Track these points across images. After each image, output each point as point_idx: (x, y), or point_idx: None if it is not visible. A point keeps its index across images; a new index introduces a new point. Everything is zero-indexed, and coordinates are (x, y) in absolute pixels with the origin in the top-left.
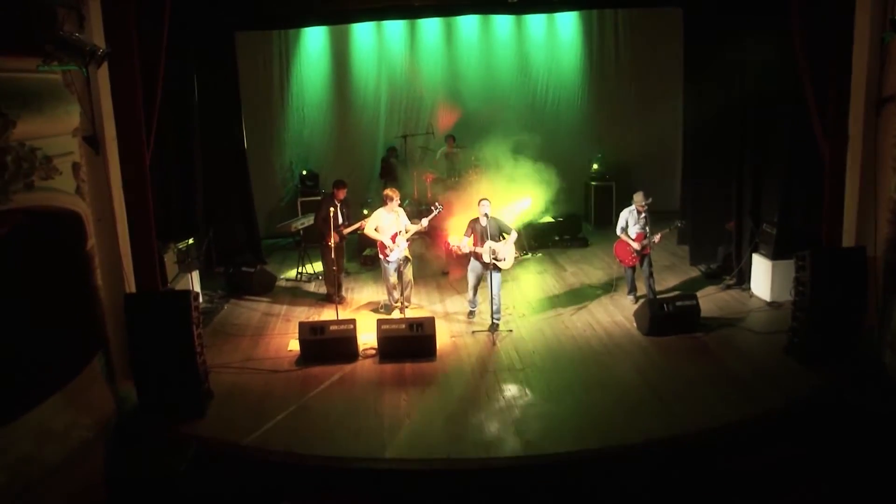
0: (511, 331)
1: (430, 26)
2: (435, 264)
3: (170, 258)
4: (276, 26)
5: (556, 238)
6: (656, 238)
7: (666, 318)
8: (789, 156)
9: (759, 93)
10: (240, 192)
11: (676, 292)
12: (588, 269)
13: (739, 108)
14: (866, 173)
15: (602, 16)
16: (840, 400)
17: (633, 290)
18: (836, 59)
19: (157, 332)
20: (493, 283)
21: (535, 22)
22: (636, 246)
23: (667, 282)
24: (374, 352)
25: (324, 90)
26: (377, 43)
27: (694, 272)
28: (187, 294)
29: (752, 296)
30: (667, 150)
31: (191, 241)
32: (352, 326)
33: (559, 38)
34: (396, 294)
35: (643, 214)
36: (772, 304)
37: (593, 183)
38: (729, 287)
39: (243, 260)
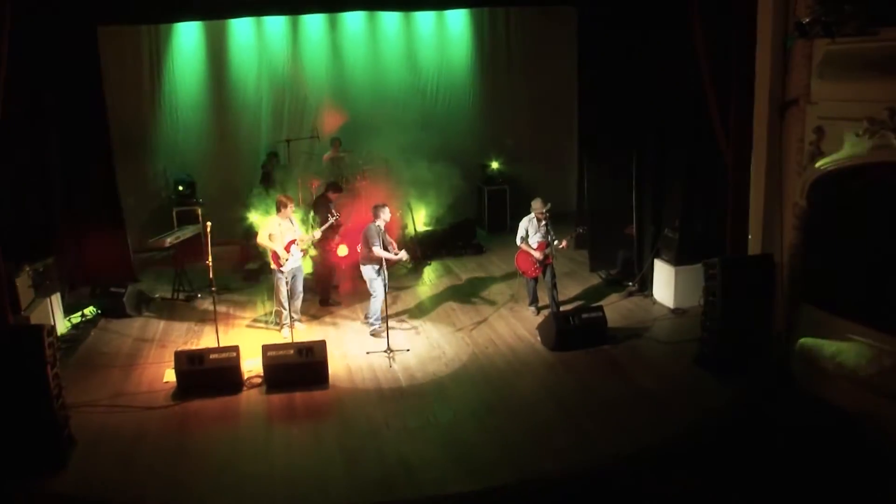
0: (408, 349)
1: (314, 22)
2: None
3: (23, 282)
4: (144, 20)
5: (450, 245)
6: (562, 244)
7: (572, 331)
8: (690, 159)
9: (659, 95)
10: (107, 203)
11: (580, 302)
12: (485, 278)
13: (637, 109)
14: (771, 178)
15: (493, 13)
16: (754, 413)
17: (534, 300)
18: (738, 63)
19: (2, 375)
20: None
21: (424, 19)
22: (538, 255)
23: (567, 289)
24: (260, 380)
25: (199, 91)
26: (257, 40)
27: (594, 278)
28: (39, 329)
29: (655, 303)
30: (562, 152)
31: (50, 259)
32: (234, 354)
33: (449, 35)
34: (287, 307)
35: (543, 222)
36: (676, 311)
37: (487, 187)
38: (631, 294)
39: (112, 279)
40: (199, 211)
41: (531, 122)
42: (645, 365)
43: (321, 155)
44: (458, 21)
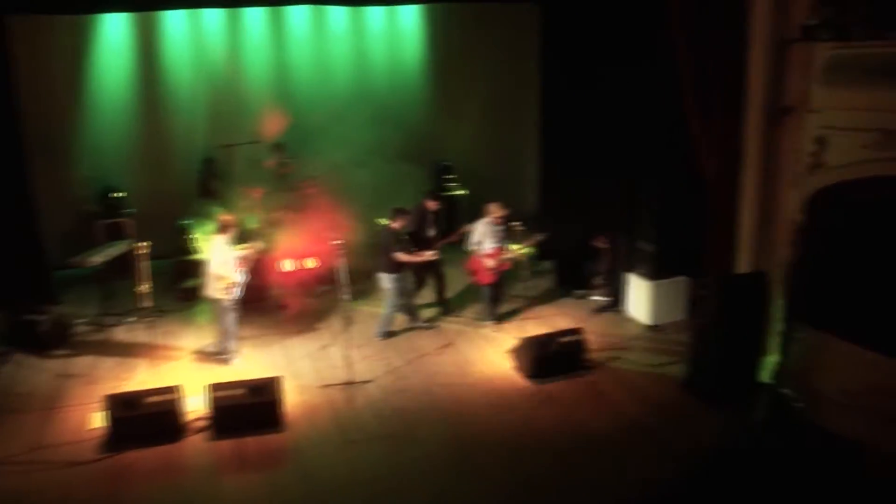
0: (370, 381)
1: (255, 17)
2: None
3: None
4: (62, 10)
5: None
6: (520, 251)
7: (551, 357)
8: (667, 168)
9: (632, 98)
10: (19, 215)
11: (543, 310)
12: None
13: (607, 114)
14: (764, 191)
15: (448, 10)
16: (754, 447)
17: (492, 314)
18: (723, 66)
19: None
20: None
21: (374, 15)
22: (491, 263)
23: (532, 304)
24: (205, 424)
25: (127, 90)
26: (192, 35)
27: (560, 291)
28: None
29: (629, 319)
30: (522, 157)
31: None
32: (175, 396)
33: (401, 32)
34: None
35: (500, 227)
36: (652, 328)
37: (440, 193)
38: (603, 309)
39: (28, 303)
40: (129, 224)
41: (489, 124)
42: (631, 393)
43: (264, 161)
44: (410, 17)
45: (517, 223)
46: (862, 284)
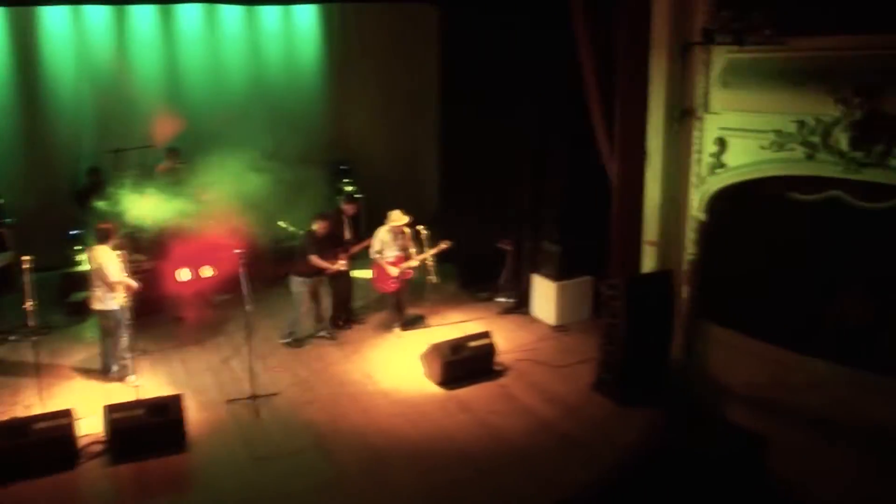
0: (276, 393)
1: (143, 15)
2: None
3: None
4: None
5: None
6: (424, 259)
7: (460, 363)
8: (570, 169)
9: (535, 100)
10: None
11: (460, 320)
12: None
13: (509, 115)
14: (668, 191)
15: (344, 10)
16: (669, 445)
17: (398, 320)
18: (626, 69)
19: None
20: None
21: (269, 15)
22: (394, 271)
23: (437, 309)
24: (101, 448)
25: (3, 91)
26: (75, 33)
27: (464, 295)
28: None
29: (534, 320)
30: (423, 159)
31: None
32: (67, 420)
33: (297, 32)
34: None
35: (402, 234)
36: (558, 329)
37: (341, 198)
38: (508, 311)
39: None
40: (8, 234)
41: (389, 126)
42: (544, 396)
43: (156, 166)
44: (306, 17)
45: (422, 228)
46: (762, 281)
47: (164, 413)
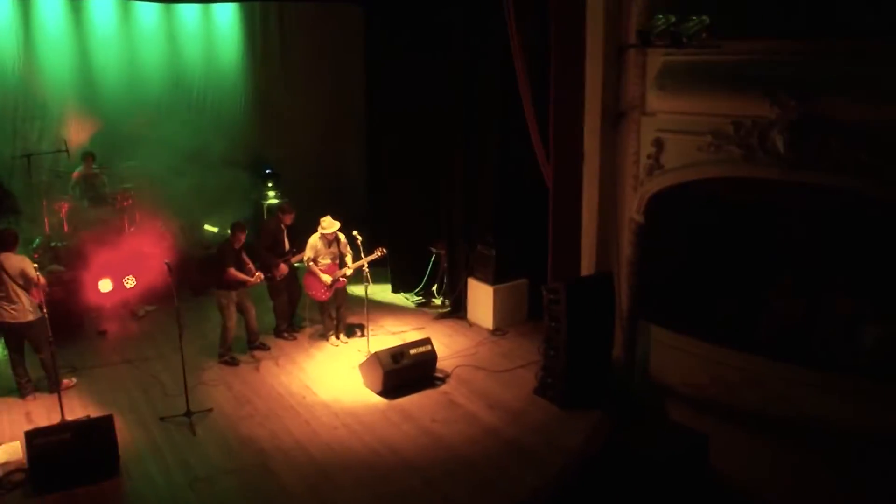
0: (211, 409)
1: (50, 10)
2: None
3: None
4: None
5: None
6: (357, 266)
7: (401, 372)
8: (502, 170)
9: (465, 100)
10: None
11: (384, 320)
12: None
13: (438, 117)
14: (605, 193)
15: (266, 9)
16: (615, 448)
17: (333, 329)
18: (559, 69)
19: None
20: None
21: (188, 12)
22: (327, 279)
23: (371, 315)
24: (23, 477)
25: None
26: None
27: (399, 300)
28: None
29: (471, 325)
30: (350, 161)
31: None
32: None
33: (216, 30)
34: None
35: (336, 241)
36: (495, 333)
37: (265, 202)
38: (443, 316)
39: None
40: None
41: (314, 128)
42: (486, 402)
43: (69, 172)
44: (225, 17)
45: (357, 234)
46: (699, 281)
47: (93, 436)
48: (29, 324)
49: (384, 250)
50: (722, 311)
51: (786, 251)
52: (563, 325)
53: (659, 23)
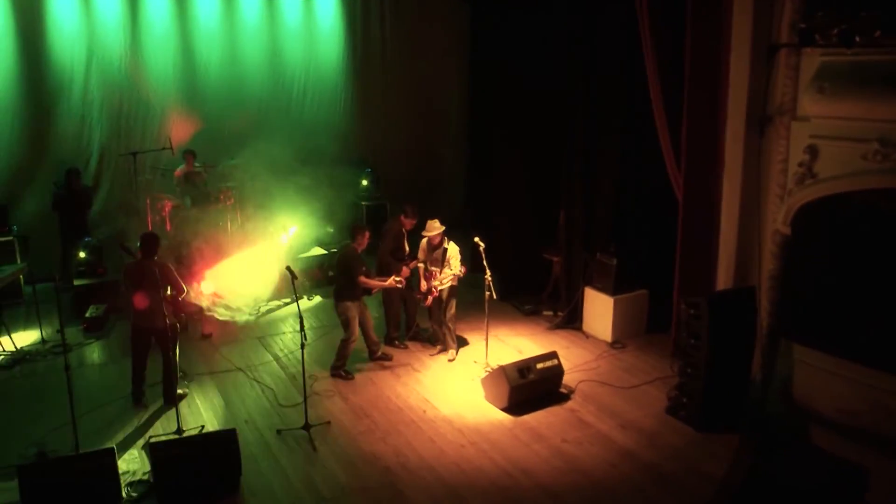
0: (329, 422)
1: (157, 6)
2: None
3: None
4: None
5: (331, 273)
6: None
7: (527, 387)
8: (623, 175)
9: (584, 101)
10: None
11: (497, 330)
12: (377, 315)
13: (552, 115)
14: (747, 202)
15: (367, 3)
16: (762, 478)
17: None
18: (697, 70)
19: None
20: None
21: (290, 6)
22: (422, 286)
23: (476, 323)
24: (145, 490)
25: (5, 84)
26: (84, 24)
27: (507, 308)
28: None
29: (588, 336)
30: (452, 165)
31: None
32: (110, 459)
33: (318, 27)
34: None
35: (438, 247)
36: (615, 345)
37: (364, 203)
38: (558, 327)
39: None
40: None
41: (415, 128)
42: (617, 422)
43: (172, 170)
44: (327, 10)
45: (478, 241)
46: (853, 298)
47: (216, 450)
48: (162, 328)
49: (399, 279)
50: (875, 332)
51: None
52: (705, 341)
53: (824, 20)
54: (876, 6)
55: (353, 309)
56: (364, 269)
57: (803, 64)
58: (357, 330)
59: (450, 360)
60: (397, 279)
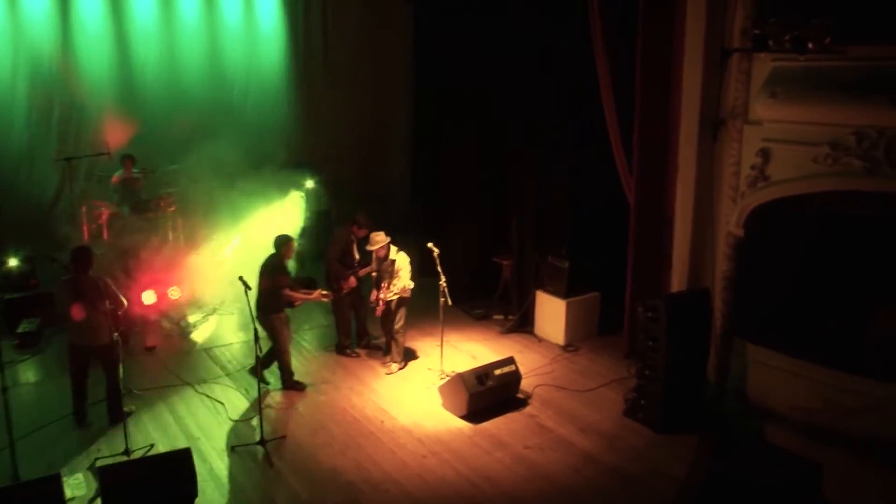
0: (285, 436)
1: (89, 6)
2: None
3: None
4: None
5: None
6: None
7: (486, 394)
8: (577, 180)
9: (532, 104)
10: None
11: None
12: (327, 324)
13: (502, 118)
14: (701, 205)
15: (309, 5)
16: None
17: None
18: (650, 77)
19: None
20: None
21: (229, 5)
22: (381, 295)
23: (430, 329)
24: None
25: None
26: (10, 24)
27: (457, 313)
28: None
29: (540, 340)
30: (396, 167)
31: None
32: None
33: (259, 26)
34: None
35: (384, 258)
36: (567, 348)
37: (309, 208)
38: (510, 331)
39: None
40: None
41: (359, 129)
42: (577, 426)
43: (109, 176)
44: (268, 9)
45: (432, 246)
46: (805, 298)
47: (170, 471)
48: (104, 346)
49: (326, 293)
50: (828, 331)
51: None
52: (664, 343)
53: (777, 26)
54: (826, 13)
55: (276, 321)
56: (288, 280)
57: (755, 69)
58: (288, 341)
59: (387, 374)
60: (323, 293)
